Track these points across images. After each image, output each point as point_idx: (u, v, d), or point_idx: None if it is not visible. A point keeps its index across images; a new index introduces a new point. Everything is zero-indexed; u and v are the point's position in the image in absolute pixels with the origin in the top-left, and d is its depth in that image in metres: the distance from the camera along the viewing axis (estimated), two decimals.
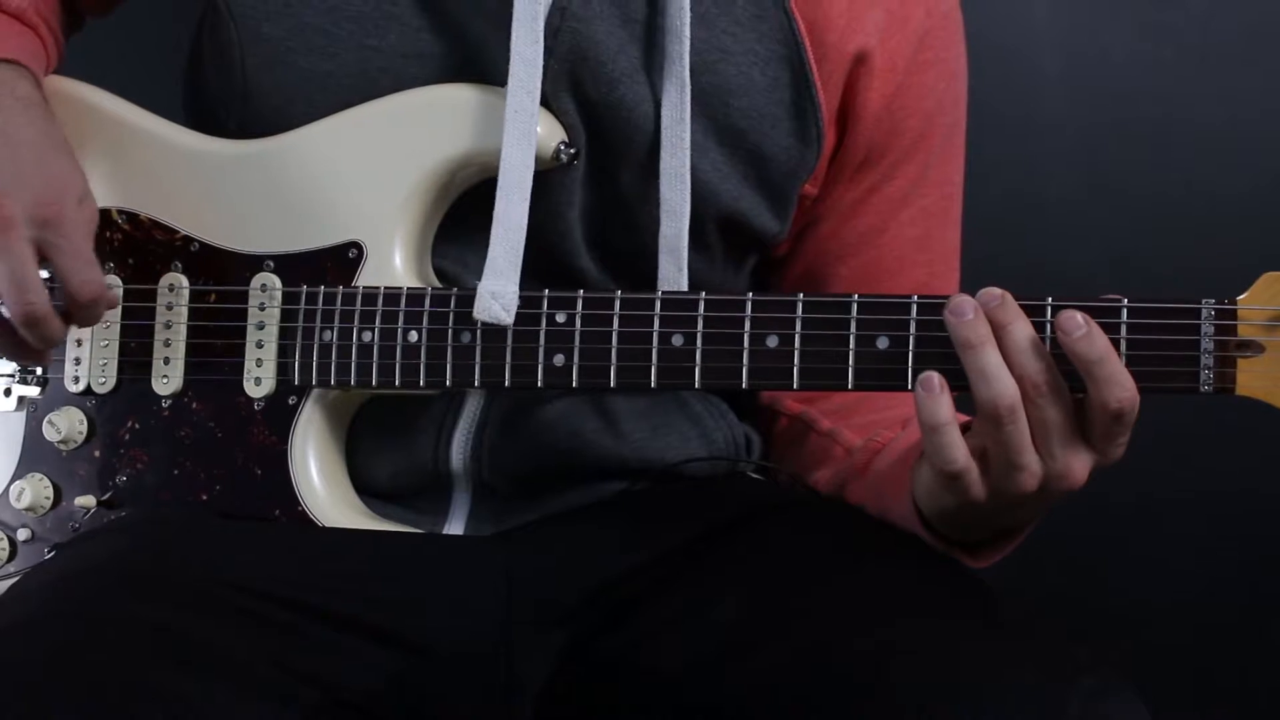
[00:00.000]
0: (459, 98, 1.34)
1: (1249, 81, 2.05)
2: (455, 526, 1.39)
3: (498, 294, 1.28)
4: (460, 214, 1.37)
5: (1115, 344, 1.17)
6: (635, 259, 1.35)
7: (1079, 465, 1.18)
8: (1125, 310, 1.19)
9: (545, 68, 1.31)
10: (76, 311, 1.30)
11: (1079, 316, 1.16)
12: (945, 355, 1.21)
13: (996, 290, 1.18)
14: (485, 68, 1.34)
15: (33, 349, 1.31)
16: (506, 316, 1.28)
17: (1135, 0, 2.06)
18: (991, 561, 1.27)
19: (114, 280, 1.37)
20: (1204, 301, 1.19)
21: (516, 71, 1.30)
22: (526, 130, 1.30)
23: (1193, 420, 1.96)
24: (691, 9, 1.32)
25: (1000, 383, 1.16)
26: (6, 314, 1.28)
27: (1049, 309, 1.20)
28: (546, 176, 1.33)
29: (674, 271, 1.34)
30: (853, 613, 1.20)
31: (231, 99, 1.40)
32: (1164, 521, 2.07)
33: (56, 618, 1.18)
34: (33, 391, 1.40)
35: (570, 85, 1.33)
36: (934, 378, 1.17)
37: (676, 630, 1.25)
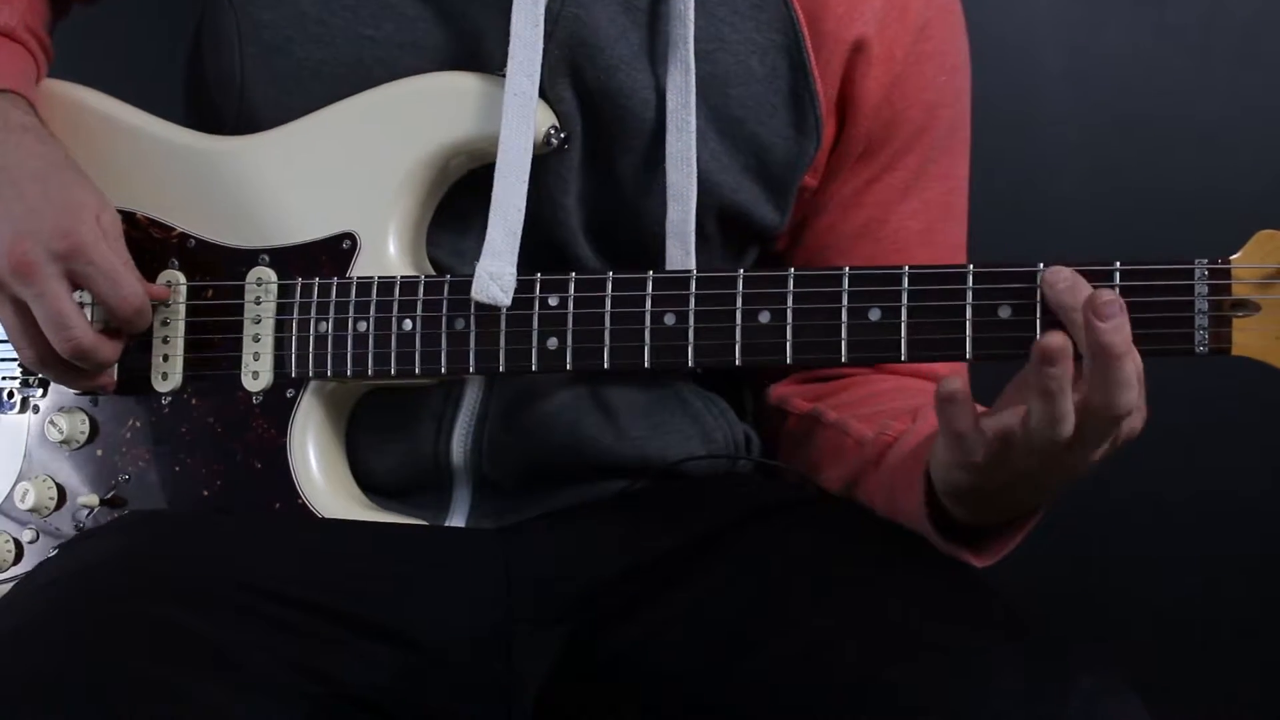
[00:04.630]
0: (448, 85, 1.34)
1: (1250, 79, 2.03)
2: (456, 521, 1.38)
3: (495, 275, 1.28)
4: (455, 202, 1.36)
5: None
6: (634, 246, 1.35)
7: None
8: (1118, 273, 1.18)
9: (544, 53, 1.30)
10: (125, 326, 1.33)
11: (1116, 305, 1.12)
12: (937, 325, 1.21)
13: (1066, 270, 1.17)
14: (483, 57, 1.33)
15: (91, 375, 1.34)
16: (504, 298, 1.28)
17: None
18: (996, 559, 1.25)
19: (175, 276, 1.38)
20: (1197, 262, 1.17)
21: (516, 54, 1.29)
22: (525, 113, 1.30)
23: (1195, 418, 1.95)
24: None
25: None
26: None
27: (1039, 275, 1.19)
28: (543, 163, 1.32)
29: (681, 255, 1.33)
30: (852, 613, 1.18)
31: (230, 90, 1.40)
32: (1164, 520, 2.04)
33: (60, 617, 1.18)
34: (35, 393, 1.41)
35: (568, 71, 1.33)
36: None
37: (678, 629, 1.24)
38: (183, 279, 1.38)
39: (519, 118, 1.29)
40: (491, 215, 1.29)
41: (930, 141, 1.44)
